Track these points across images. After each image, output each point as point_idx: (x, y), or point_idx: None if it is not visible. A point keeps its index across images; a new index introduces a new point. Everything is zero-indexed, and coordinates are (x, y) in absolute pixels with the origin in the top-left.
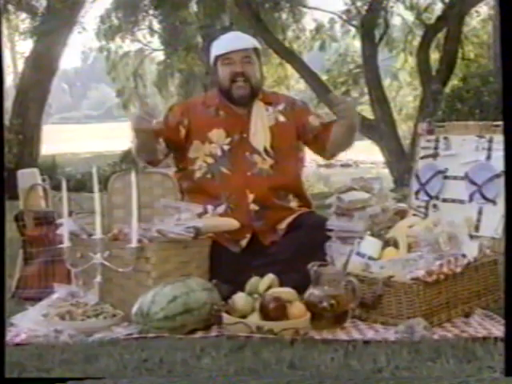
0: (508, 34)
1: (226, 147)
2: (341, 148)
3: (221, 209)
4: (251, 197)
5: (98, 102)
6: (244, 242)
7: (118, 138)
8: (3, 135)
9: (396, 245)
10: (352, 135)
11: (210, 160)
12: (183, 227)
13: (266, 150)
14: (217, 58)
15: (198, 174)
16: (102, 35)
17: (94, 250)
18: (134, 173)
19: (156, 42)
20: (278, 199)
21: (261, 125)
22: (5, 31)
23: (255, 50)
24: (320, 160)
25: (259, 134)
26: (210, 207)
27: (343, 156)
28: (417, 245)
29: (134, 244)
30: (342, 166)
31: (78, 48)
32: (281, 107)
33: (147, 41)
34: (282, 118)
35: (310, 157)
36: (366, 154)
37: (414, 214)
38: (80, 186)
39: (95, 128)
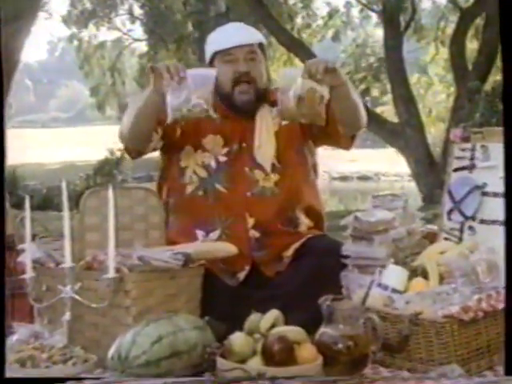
0: (508, 34)
1: (222, 158)
2: (354, 125)
3: (214, 235)
4: (251, 222)
5: (67, 102)
6: (242, 275)
7: (91, 145)
8: (4, 135)
9: (425, 275)
10: (355, 104)
11: (202, 173)
12: (170, 253)
13: (272, 164)
14: (215, 54)
15: (187, 190)
16: (72, 22)
17: (62, 281)
18: (111, 188)
19: (137, 31)
20: (284, 224)
21: (266, 135)
22: None
23: (260, 45)
24: (333, 172)
25: (265, 146)
26: (200, 233)
27: (361, 167)
28: (450, 275)
29: (110, 274)
30: (360, 178)
31: (44, 37)
32: None
33: (127, 29)
34: (297, 121)
35: (322, 169)
36: (388, 164)
37: (447, 238)
38: (46, 203)
39: (65, 133)
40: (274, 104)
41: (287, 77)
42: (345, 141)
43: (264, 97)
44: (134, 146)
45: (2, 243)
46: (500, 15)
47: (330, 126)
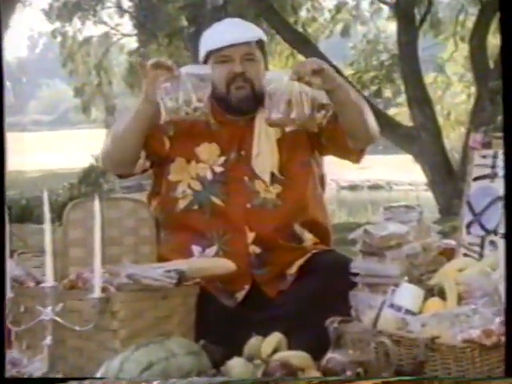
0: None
1: (218, 169)
2: (362, 138)
3: (211, 251)
4: (251, 236)
5: (49, 104)
6: (241, 295)
7: (75, 150)
8: (4, 136)
9: (442, 295)
10: (359, 111)
11: (196, 186)
12: (162, 271)
13: (272, 175)
14: (209, 53)
15: (181, 205)
16: (54, 15)
17: (43, 301)
18: (97, 199)
19: (126, 25)
20: (287, 238)
21: (266, 141)
22: None
23: (259, 42)
24: (341, 181)
25: (265, 154)
26: (196, 249)
27: (372, 175)
28: (470, 295)
29: (96, 293)
30: (371, 187)
31: (24, 32)
32: None
33: (115, 23)
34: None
35: (329, 177)
36: (402, 172)
37: (466, 254)
38: (25, 215)
39: (46, 137)
40: None
41: (275, 80)
42: (354, 153)
43: (262, 99)
44: (122, 169)
45: (2, 244)
46: (500, 15)
47: (340, 139)
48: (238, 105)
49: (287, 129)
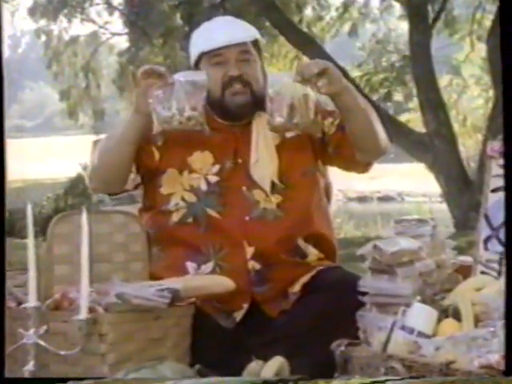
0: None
1: (213, 179)
2: (371, 150)
3: (207, 268)
4: (250, 251)
5: (33, 108)
6: (239, 315)
7: (61, 158)
8: (4, 138)
9: (457, 316)
10: (367, 118)
11: (190, 197)
12: (154, 289)
13: (272, 183)
14: (201, 55)
15: (174, 218)
16: (38, 13)
17: (25, 323)
18: (85, 212)
19: (116, 23)
20: (289, 253)
21: (265, 147)
22: None
23: (255, 42)
24: (349, 192)
25: (264, 160)
26: (191, 265)
27: (382, 185)
28: (487, 316)
29: (82, 315)
30: (381, 199)
31: (5, 30)
32: None
33: (104, 21)
34: (290, 132)
35: (336, 187)
36: (414, 182)
37: (483, 272)
38: (7, 229)
39: (29, 144)
40: None
41: (277, 82)
42: (360, 165)
43: (261, 102)
44: (113, 186)
45: (2, 245)
46: (500, 18)
47: (347, 149)
48: (236, 111)
49: (287, 134)
